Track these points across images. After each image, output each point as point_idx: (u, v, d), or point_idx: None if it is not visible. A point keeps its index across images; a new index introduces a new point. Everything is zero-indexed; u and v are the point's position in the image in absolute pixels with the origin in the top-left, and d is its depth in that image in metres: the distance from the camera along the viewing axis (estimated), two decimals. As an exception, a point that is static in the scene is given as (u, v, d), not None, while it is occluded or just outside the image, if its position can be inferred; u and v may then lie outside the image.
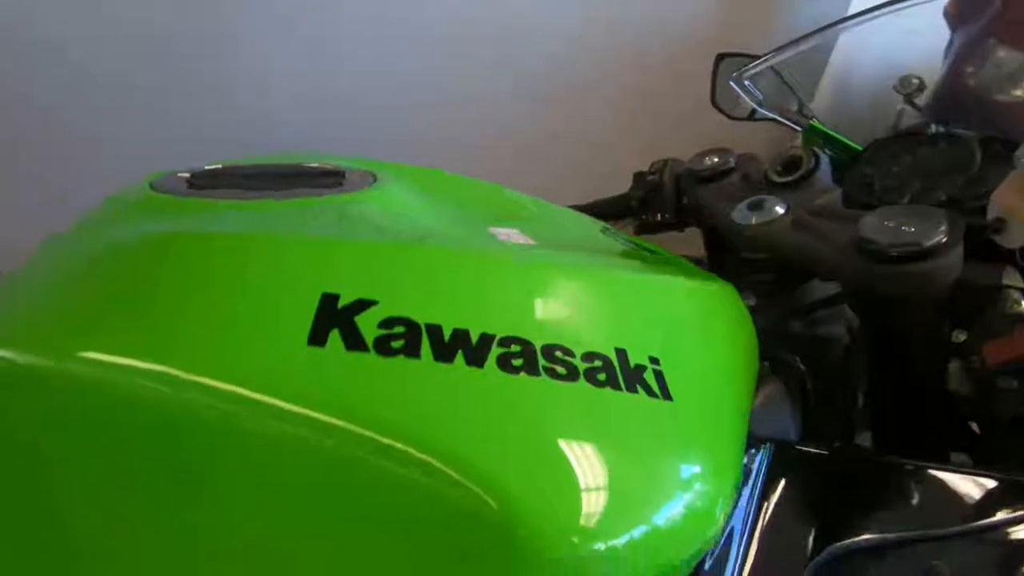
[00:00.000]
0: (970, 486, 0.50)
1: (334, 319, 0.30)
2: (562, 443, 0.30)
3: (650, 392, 0.34)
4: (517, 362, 0.31)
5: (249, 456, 0.28)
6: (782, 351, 0.57)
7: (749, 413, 0.46)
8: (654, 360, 0.35)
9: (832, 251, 0.53)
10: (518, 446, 0.29)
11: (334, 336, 0.29)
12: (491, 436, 0.29)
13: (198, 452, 0.28)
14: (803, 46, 0.70)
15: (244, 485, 0.28)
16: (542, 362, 0.32)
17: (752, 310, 0.54)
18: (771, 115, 0.79)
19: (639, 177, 0.80)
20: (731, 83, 0.73)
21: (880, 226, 0.50)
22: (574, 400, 0.31)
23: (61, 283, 0.33)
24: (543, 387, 0.31)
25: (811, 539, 0.46)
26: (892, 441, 0.59)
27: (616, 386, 0.33)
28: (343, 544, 0.29)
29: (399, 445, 0.28)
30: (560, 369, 0.32)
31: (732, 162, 0.69)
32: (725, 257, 0.73)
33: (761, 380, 0.54)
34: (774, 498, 0.48)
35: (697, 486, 0.34)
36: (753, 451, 0.49)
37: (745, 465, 0.48)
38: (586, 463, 0.30)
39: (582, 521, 0.29)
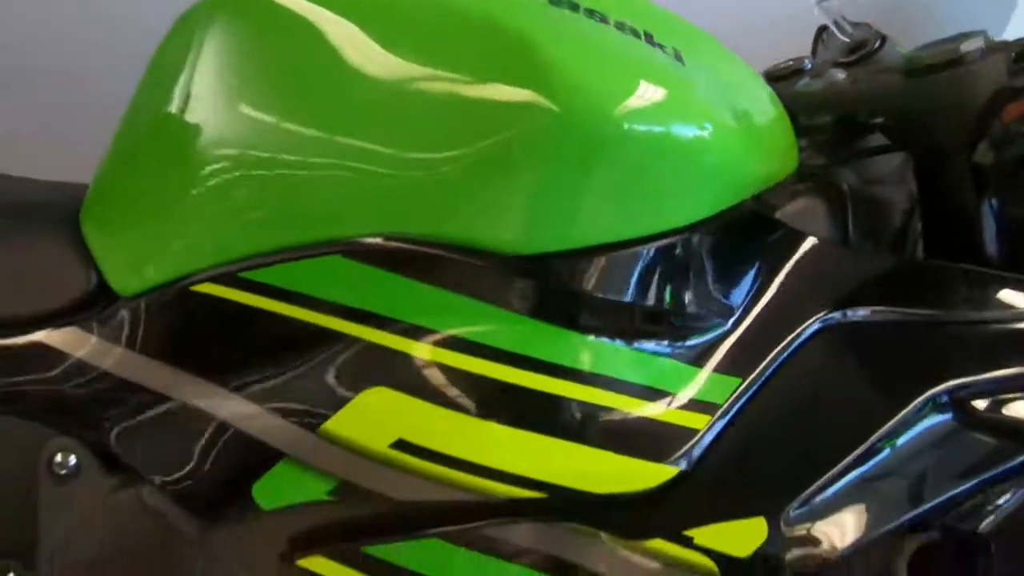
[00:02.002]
0: (982, 282, 0.54)
1: None
2: (599, 51, 0.42)
3: (666, 53, 0.44)
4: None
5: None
6: (830, 175, 0.63)
7: (760, 176, 0.52)
8: (676, 50, 0.46)
9: (883, 88, 0.60)
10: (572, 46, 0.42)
11: None
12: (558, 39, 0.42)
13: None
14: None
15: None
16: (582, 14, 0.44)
17: (801, 149, 0.62)
18: (860, 49, 0.86)
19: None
20: (819, 7, 0.81)
21: (923, 48, 0.57)
22: (605, 33, 0.43)
23: None
24: (580, 20, 0.43)
25: (808, 311, 0.51)
26: None
27: (637, 37, 0.43)
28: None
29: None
30: (596, 18, 0.43)
31: (807, 64, 0.77)
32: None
33: (800, 192, 0.61)
34: (780, 276, 0.53)
35: (695, 127, 0.43)
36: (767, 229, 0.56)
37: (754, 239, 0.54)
38: (619, 68, 0.41)
39: (621, 105, 0.41)
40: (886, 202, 0.69)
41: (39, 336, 0.51)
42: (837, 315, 0.51)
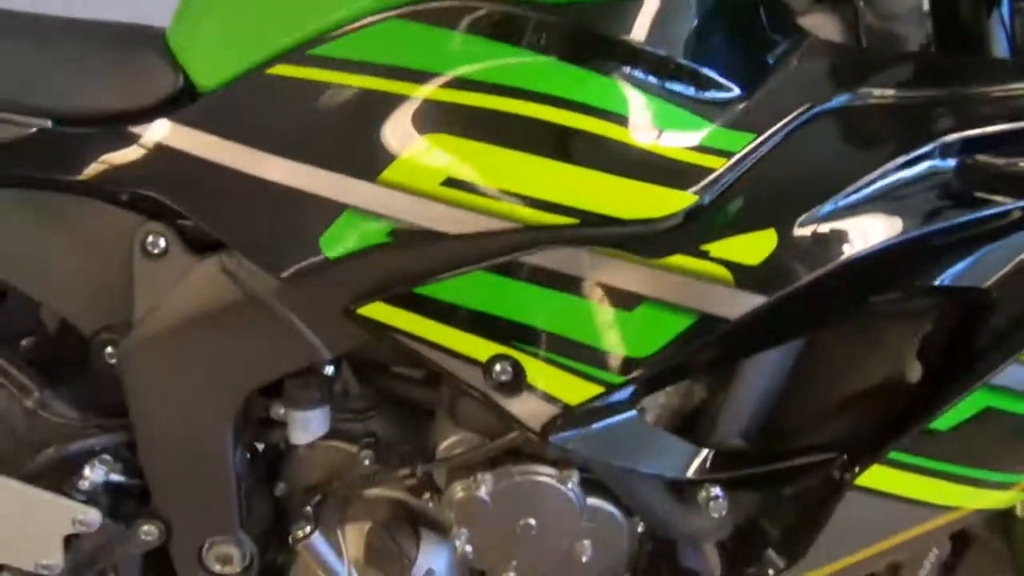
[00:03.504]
0: (991, 67, 0.57)
1: None
2: None
3: None
4: None
5: None
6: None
7: None
8: None
9: None
10: None
11: None
12: None
13: None
14: None
15: None
16: None
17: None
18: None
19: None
20: None
21: None
22: None
23: None
24: None
25: (822, 91, 0.54)
26: None
27: None
28: None
29: None
30: None
31: None
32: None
33: (816, 8, 0.65)
34: (795, 60, 0.57)
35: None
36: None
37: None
38: None
39: None
40: (900, 36, 0.73)
41: (133, 128, 0.59)
42: (850, 95, 0.55)
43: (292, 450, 0.71)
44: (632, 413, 0.55)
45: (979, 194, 0.52)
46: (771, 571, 0.58)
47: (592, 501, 0.62)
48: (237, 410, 0.62)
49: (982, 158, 0.53)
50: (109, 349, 0.64)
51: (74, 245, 0.63)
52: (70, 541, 0.63)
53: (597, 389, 0.51)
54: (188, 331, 0.60)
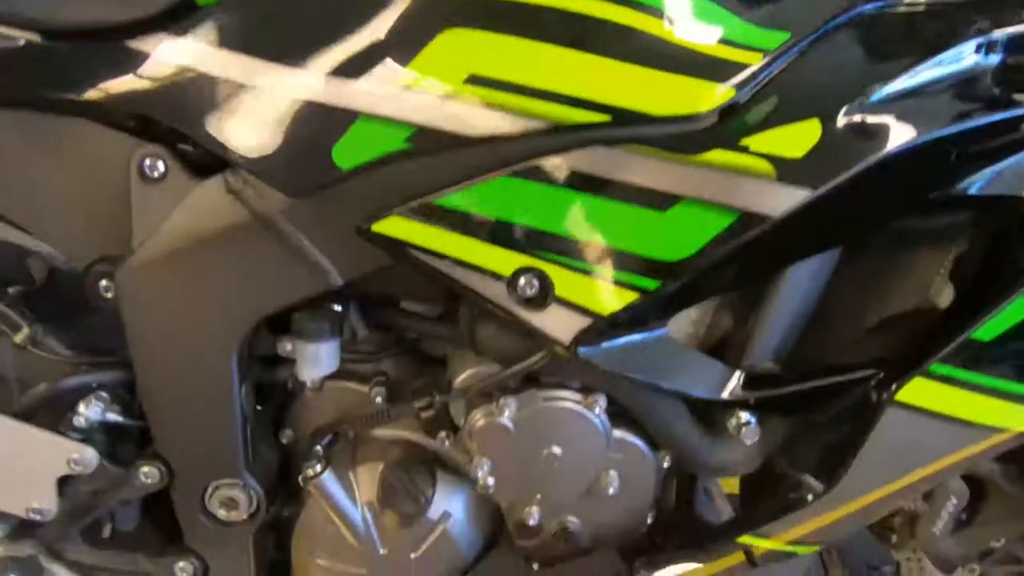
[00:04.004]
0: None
1: None
2: None
3: None
4: None
5: None
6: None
7: None
8: None
9: None
10: None
11: None
12: None
13: None
14: None
15: None
16: None
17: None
18: None
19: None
20: None
21: None
22: None
23: None
24: None
25: None
26: None
27: None
28: None
29: None
30: None
31: None
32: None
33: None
34: None
35: None
36: None
37: None
38: None
39: None
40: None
41: (129, 43, 0.55)
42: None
43: (299, 392, 0.67)
44: (663, 331, 0.53)
45: (1018, 96, 0.50)
46: (809, 496, 0.56)
47: (618, 433, 0.59)
48: (242, 341, 0.58)
49: (1022, 59, 0.51)
50: (104, 282, 0.60)
51: (66, 170, 0.59)
52: (64, 484, 0.59)
53: (631, 296, 0.49)
54: (190, 256, 0.56)
